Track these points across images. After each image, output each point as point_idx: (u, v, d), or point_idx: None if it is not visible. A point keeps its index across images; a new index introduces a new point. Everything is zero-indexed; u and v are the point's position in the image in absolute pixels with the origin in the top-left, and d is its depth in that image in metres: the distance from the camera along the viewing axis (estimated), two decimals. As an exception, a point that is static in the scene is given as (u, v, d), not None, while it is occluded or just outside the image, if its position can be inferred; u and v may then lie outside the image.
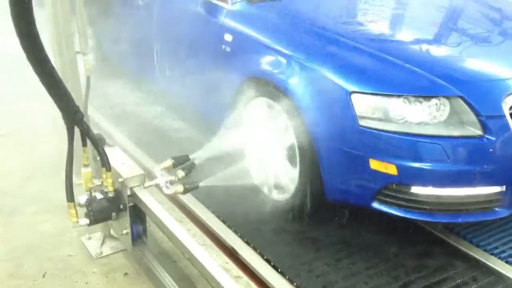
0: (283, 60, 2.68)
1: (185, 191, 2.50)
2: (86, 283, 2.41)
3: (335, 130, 2.46)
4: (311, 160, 2.57)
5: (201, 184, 2.59)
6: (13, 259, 2.57)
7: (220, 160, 2.88)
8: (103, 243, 2.65)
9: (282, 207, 2.82)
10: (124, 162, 2.34)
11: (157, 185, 2.47)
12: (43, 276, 2.45)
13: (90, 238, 2.69)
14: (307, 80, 2.55)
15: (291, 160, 2.73)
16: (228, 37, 3.04)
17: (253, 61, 2.86)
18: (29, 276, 2.45)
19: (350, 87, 2.40)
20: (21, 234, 2.75)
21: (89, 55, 2.97)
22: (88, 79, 2.94)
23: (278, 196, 2.88)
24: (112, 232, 2.67)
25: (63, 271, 2.48)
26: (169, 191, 2.47)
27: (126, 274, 2.47)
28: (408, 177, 2.34)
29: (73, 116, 1.89)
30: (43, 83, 1.69)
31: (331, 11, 3.23)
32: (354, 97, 2.38)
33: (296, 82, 2.59)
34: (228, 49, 3.04)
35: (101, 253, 2.59)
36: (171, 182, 2.50)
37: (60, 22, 2.80)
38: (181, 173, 2.58)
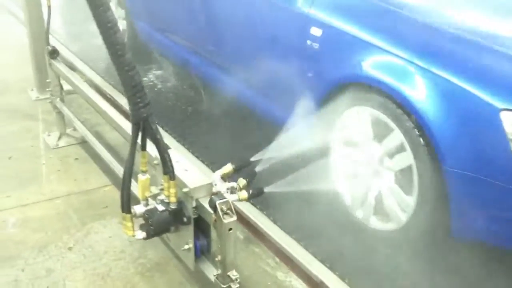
0: (400, 64, 2.18)
1: (250, 197, 2.12)
2: (43, 163, 3.06)
3: (476, 155, 1.99)
4: (436, 188, 2.11)
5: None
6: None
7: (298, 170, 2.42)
8: (59, 138, 3.28)
9: (384, 239, 2.37)
10: (187, 168, 1.99)
11: (218, 192, 2.05)
12: (9, 158, 3.10)
13: (49, 135, 3.32)
14: (436, 91, 2.06)
15: (404, 185, 2.26)
16: (316, 31, 2.53)
17: (352, 63, 2.37)
18: (-3, 159, 3.13)
19: (499, 103, 1.92)
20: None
21: None
22: (49, 8, 3.12)
23: (379, 225, 2.41)
24: (68, 131, 3.32)
25: (25, 156, 3.14)
26: (233, 197, 2.07)
27: (76, 159, 3.12)
28: None
29: (141, 109, 1.62)
30: (117, 69, 1.57)
31: (467, 3, 2.61)
32: (504, 115, 1.91)
33: (419, 93, 2.10)
34: (315, 45, 2.54)
35: (57, 145, 3.24)
36: (232, 189, 2.13)
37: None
38: (242, 181, 2.16)
